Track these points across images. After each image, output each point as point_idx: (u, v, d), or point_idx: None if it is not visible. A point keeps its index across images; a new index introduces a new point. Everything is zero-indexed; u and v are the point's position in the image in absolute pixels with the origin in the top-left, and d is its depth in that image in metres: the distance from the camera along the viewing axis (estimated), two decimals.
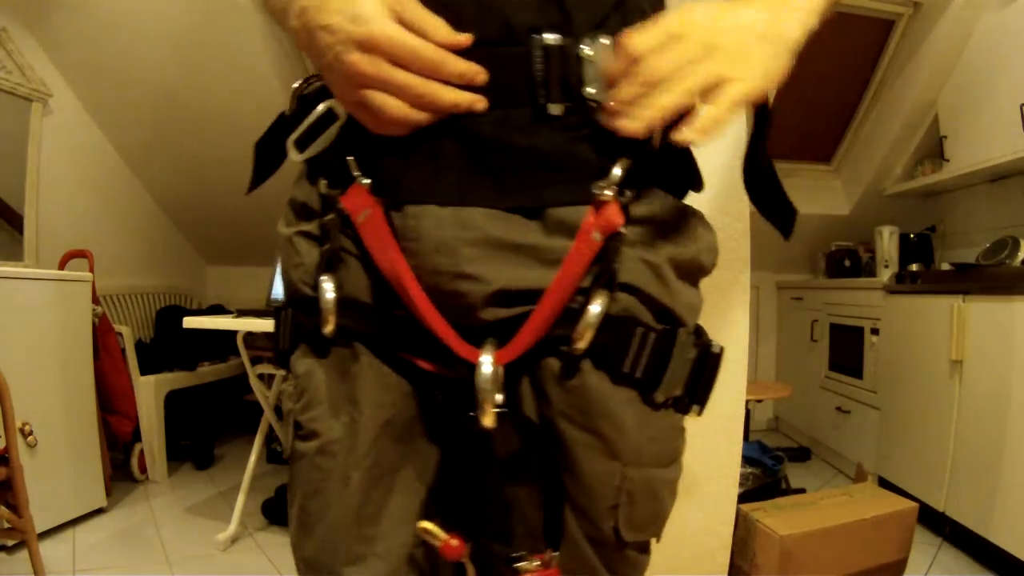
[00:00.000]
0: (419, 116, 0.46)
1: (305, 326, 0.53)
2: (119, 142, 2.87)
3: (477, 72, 0.46)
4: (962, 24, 2.32)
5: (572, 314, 0.47)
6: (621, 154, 0.48)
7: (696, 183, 0.56)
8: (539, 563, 0.50)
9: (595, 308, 0.47)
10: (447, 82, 0.45)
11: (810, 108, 2.85)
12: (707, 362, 0.52)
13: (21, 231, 2.40)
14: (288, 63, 2.47)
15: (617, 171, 0.47)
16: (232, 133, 2.67)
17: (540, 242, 0.48)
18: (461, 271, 0.47)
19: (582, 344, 0.47)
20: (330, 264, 0.52)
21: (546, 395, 0.50)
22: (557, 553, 0.51)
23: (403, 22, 0.44)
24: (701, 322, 0.55)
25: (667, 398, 0.51)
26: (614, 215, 0.46)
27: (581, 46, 0.46)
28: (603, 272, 0.47)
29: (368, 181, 0.50)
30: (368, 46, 0.44)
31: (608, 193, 0.46)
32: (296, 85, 0.56)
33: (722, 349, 0.53)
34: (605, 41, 0.46)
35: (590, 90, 0.47)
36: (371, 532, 0.53)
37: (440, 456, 0.56)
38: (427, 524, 0.51)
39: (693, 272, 0.53)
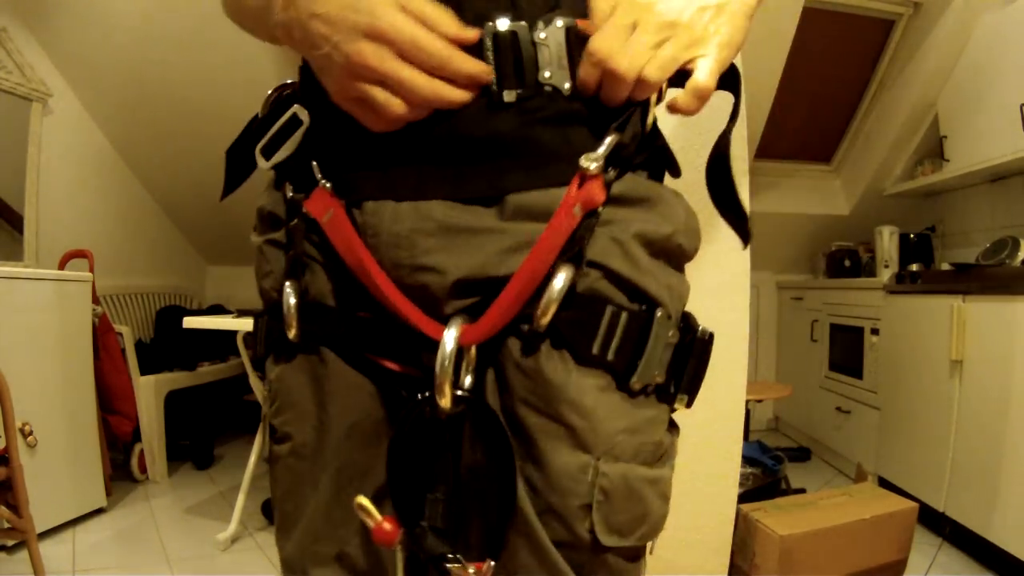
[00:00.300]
0: (419, 114, 0.45)
1: (275, 332, 0.54)
2: (119, 142, 2.87)
3: (486, 72, 0.45)
4: (962, 24, 2.32)
5: (541, 294, 0.45)
6: (606, 129, 0.46)
7: (672, 167, 0.54)
8: (474, 571, 0.45)
9: (558, 282, 0.44)
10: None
11: (810, 108, 2.85)
12: (694, 348, 0.49)
13: (21, 231, 2.40)
14: (289, 63, 2.47)
15: (605, 144, 0.45)
16: (233, 133, 2.65)
17: (500, 227, 0.46)
18: (419, 263, 0.46)
19: (545, 320, 0.44)
20: (294, 270, 0.53)
21: (506, 380, 0.47)
22: (495, 564, 0.47)
23: (407, 12, 0.42)
24: (701, 322, 0.52)
25: (646, 385, 0.47)
26: (597, 191, 0.44)
27: (536, 31, 0.45)
28: (571, 247, 0.44)
29: (330, 184, 0.49)
30: (373, 36, 0.42)
31: (595, 167, 0.44)
32: (270, 92, 0.56)
33: (711, 335, 0.49)
34: (559, 23, 0.45)
35: (546, 74, 0.46)
36: (342, 533, 0.53)
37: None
38: (364, 501, 0.47)
39: (670, 252, 0.50)
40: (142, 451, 2.47)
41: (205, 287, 3.58)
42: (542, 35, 0.45)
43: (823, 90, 2.79)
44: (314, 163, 0.51)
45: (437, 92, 0.44)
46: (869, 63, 2.72)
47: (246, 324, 1.90)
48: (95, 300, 2.23)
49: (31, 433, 1.81)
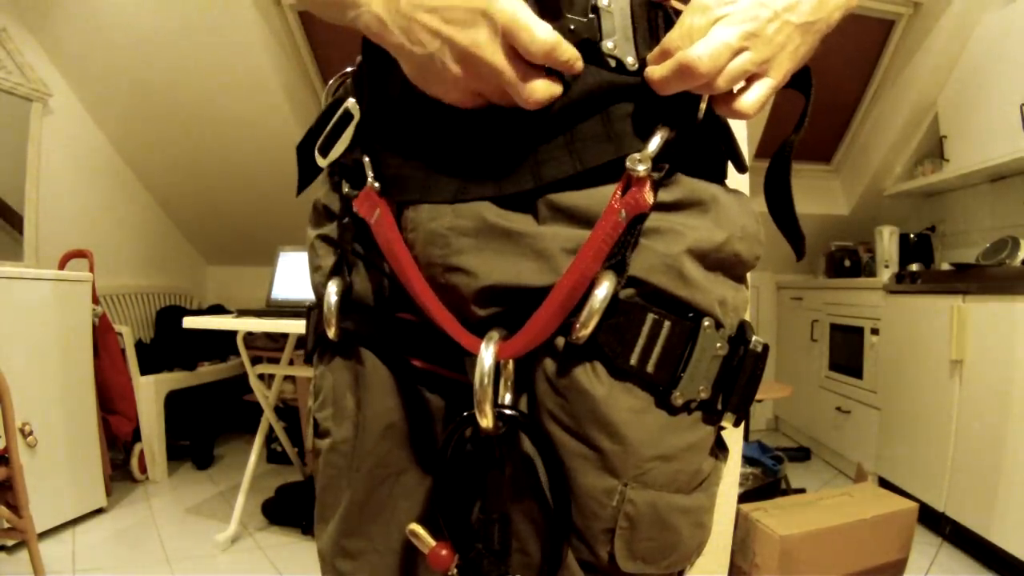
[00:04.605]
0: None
1: (321, 328, 0.54)
2: (119, 142, 2.87)
3: (577, 60, 0.41)
4: (962, 24, 2.32)
5: (581, 305, 0.41)
6: (656, 123, 0.42)
7: (736, 160, 0.50)
8: None
9: (601, 291, 0.40)
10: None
11: (810, 108, 2.85)
12: (745, 361, 0.44)
13: (21, 231, 2.40)
14: (288, 62, 2.47)
15: (655, 142, 0.41)
16: (232, 132, 2.67)
17: (537, 232, 0.43)
18: (451, 263, 0.45)
19: (585, 332, 0.41)
20: (339, 268, 0.53)
21: (536, 394, 0.45)
22: None
23: None
24: None
25: (689, 401, 0.44)
26: (644, 195, 0.40)
27: None
28: (615, 253, 0.41)
29: (378, 185, 0.48)
30: (488, 21, 0.39)
31: (643, 169, 0.40)
32: (331, 83, 0.56)
33: (766, 347, 0.45)
34: None
35: (609, 44, 0.42)
36: (372, 529, 0.53)
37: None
38: (416, 527, 0.47)
39: (726, 263, 0.45)
40: (142, 451, 2.47)
41: (205, 287, 3.58)
42: (604, 2, 0.42)
43: (823, 90, 2.76)
44: (366, 159, 0.50)
45: (552, 94, 0.41)
46: (869, 63, 2.72)
47: (246, 324, 1.90)
48: (95, 300, 2.23)
49: (31, 433, 1.81)
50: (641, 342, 0.42)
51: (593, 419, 0.42)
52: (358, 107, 0.50)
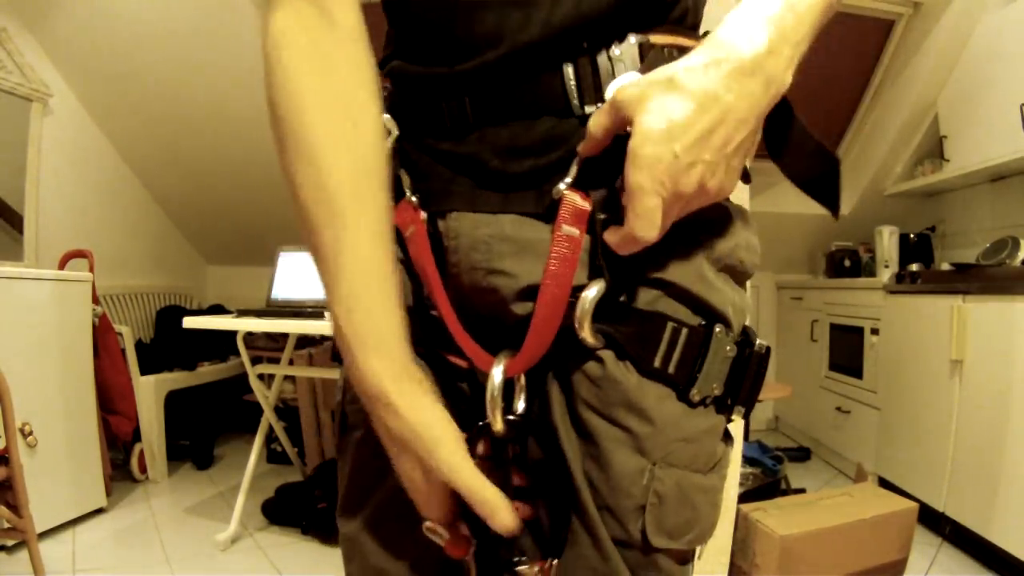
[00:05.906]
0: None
1: None
2: (119, 142, 2.87)
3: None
4: (962, 24, 2.32)
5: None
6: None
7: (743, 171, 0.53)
8: (538, 569, 0.48)
9: (590, 293, 0.46)
10: None
11: (810, 108, 2.85)
12: (751, 361, 0.50)
13: (21, 231, 2.40)
14: None
15: (572, 169, 0.47)
16: (233, 132, 2.67)
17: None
18: (494, 267, 0.49)
19: (583, 334, 0.46)
20: None
21: (571, 384, 0.50)
22: (557, 562, 0.50)
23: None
24: None
25: (705, 397, 0.49)
26: (574, 204, 0.46)
27: (611, 48, 0.47)
28: (593, 255, 0.46)
29: (415, 199, 0.52)
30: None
31: (560, 188, 0.46)
32: None
33: (768, 349, 0.51)
34: (632, 40, 0.47)
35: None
36: (405, 518, 0.55)
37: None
38: (431, 523, 0.50)
39: (733, 269, 0.51)
40: (142, 451, 2.47)
41: (205, 287, 3.58)
42: (616, 52, 0.47)
43: (823, 90, 2.79)
44: (403, 171, 0.53)
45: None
46: (869, 63, 2.72)
47: (246, 324, 1.90)
48: (95, 300, 2.23)
49: (31, 433, 1.81)
50: (663, 347, 0.48)
51: (625, 404, 0.48)
52: (395, 123, 0.54)
